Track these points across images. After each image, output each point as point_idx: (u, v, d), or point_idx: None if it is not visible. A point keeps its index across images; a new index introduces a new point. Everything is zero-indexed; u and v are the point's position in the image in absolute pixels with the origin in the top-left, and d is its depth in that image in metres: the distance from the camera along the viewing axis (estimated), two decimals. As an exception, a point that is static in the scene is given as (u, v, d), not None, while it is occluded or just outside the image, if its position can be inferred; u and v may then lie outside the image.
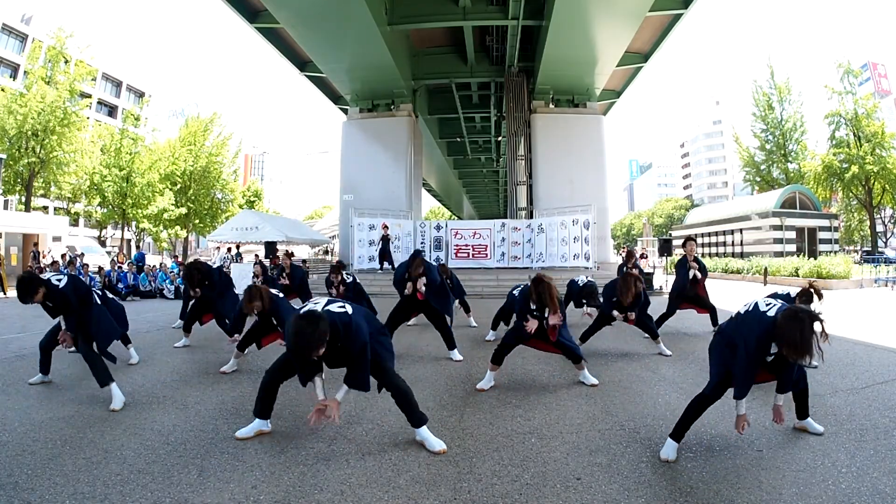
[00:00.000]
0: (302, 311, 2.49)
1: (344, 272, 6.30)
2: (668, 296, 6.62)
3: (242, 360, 4.72)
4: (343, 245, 19.33)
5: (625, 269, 6.92)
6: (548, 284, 3.70)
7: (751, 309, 2.59)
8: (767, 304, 2.51)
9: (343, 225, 19.11)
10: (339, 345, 2.57)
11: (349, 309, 2.68)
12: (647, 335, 5.66)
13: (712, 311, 6.19)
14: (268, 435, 2.89)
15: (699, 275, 6.06)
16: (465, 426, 3.09)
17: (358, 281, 6.52)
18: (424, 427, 2.75)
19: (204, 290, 5.61)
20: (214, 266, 6.54)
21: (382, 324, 3.22)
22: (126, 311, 4.85)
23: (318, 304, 2.69)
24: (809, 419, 2.96)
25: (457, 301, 7.18)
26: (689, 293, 6.10)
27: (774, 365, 2.60)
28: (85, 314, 3.69)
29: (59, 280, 3.64)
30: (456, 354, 5.15)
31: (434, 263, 5.55)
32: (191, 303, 6.07)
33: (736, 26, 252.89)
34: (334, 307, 2.65)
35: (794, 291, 3.46)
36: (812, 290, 3.40)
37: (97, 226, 33.93)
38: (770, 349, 2.48)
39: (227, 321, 5.49)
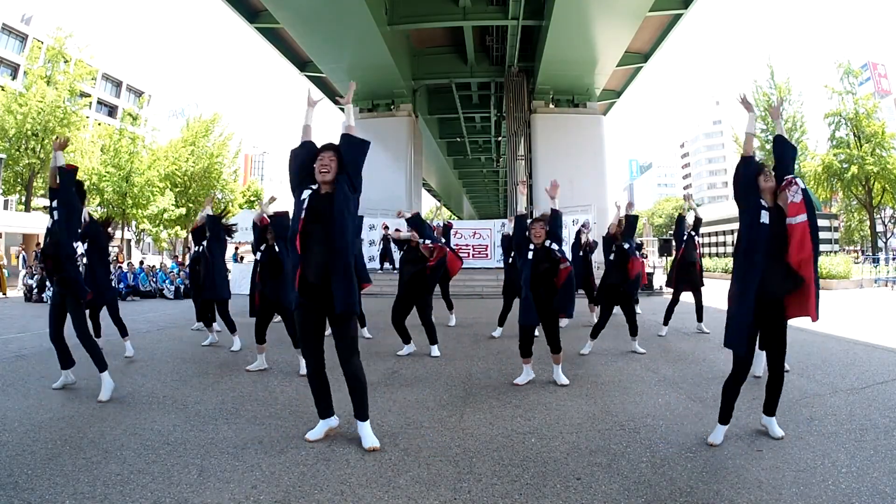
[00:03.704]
0: None
1: None
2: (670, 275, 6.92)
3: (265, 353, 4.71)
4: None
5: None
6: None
7: None
8: None
9: (343, 225, 19.10)
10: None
11: None
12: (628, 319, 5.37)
13: (698, 304, 6.45)
14: (267, 435, 2.89)
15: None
16: (465, 426, 3.09)
17: None
18: (367, 422, 2.77)
19: None
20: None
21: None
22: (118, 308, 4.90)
23: None
24: (774, 419, 2.83)
25: (441, 297, 7.23)
26: (692, 276, 6.36)
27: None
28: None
29: None
30: (434, 350, 5.16)
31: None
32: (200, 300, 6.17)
33: (736, 26, 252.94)
34: None
35: None
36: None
37: (97, 226, 33.87)
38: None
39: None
